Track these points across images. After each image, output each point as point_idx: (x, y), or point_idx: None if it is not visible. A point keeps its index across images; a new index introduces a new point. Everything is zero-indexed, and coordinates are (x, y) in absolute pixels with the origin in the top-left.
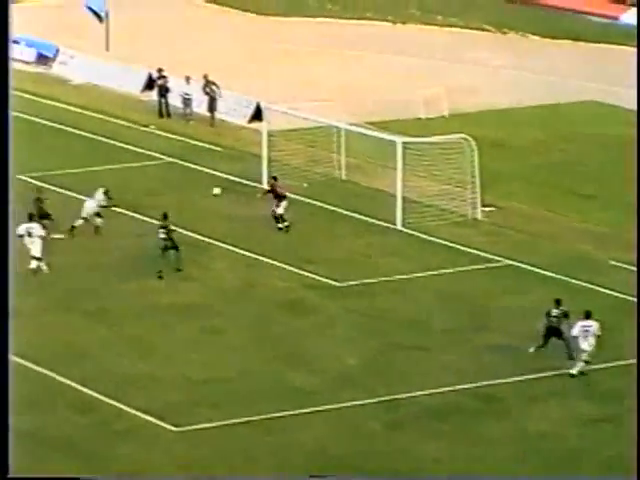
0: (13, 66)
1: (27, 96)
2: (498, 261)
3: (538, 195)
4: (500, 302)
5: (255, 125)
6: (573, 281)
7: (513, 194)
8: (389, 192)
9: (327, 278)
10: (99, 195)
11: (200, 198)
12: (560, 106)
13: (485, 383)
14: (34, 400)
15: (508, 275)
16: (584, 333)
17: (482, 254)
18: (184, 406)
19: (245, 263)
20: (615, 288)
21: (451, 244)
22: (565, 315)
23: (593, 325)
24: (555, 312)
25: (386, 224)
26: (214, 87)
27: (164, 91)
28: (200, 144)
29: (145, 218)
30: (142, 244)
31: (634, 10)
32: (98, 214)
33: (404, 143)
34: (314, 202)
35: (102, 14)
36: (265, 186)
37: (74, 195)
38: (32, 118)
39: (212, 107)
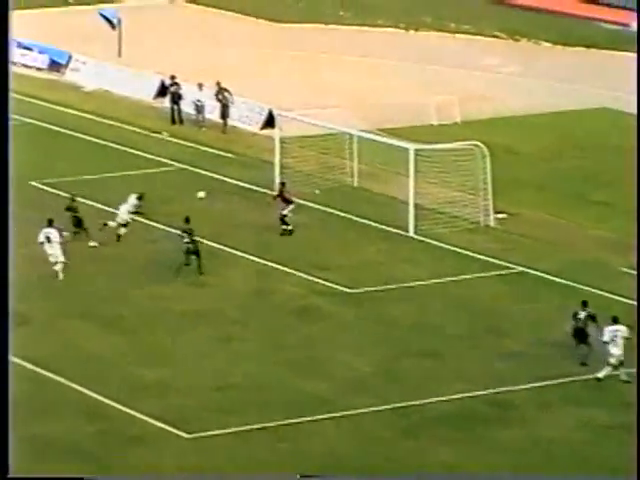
0: (26, 73)
1: (40, 102)
2: (510, 268)
3: (550, 202)
4: (512, 309)
5: (267, 132)
6: (585, 288)
7: (525, 201)
8: (401, 199)
9: (339, 285)
10: (132, 200)
11: (212, 205)
12: (572, 113)
13: (497, 390)
14: (47, 407)
15: (520, 282)
16: (614, 338)
17: (494, 261)
18: (197, 413)
19: (258, 270)
20: (626, 295)
21: (463, 251)
22: (592, 317)
23: (622, 329)
24: (582, 314)
25: (398, 231)
26: (227, 94)
27: (177, 98)
28: (212, 151)
29: (158, 225)
30: (155, 251)
31: None
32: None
33: (416, 150)
34: (326, 209)
35: (114, 21)
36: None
37: (86, 202)
38: (44, 125)
39: (224, 114)
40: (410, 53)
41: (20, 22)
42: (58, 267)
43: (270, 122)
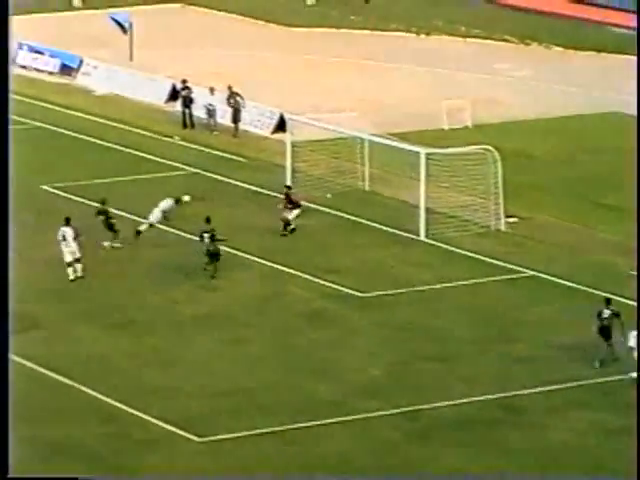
0: (37, 77)
1: (51, 107)
2: (521, 272)
3: (561, 206)
4: (523, 313)
5: (279, 136)
6: (596, 292)
7: (536, 205)
8: (412, 203)
9: (350, 289)
10: (169, 202)
11: (224, 209)
12: (583, 117)
13: (507, 394)
14: (58, 410)
15: (531, 286)
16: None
17: (505, 265)
18: (207, 416)
19: (268, 273)
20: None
21: (474, 255)
22: (616, 315)
23: None
24: (606, 313)
25: (409, 235)
26: (238, 98)
27: (188, 102)
28: (224, 155)
29: (169, 229)
30: (166, 254)
31: None
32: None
33: (427, 154)
34: (337, 213)
35: (126, 25)
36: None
37: (97, 206)
38: (56, 128)
39: (236, 118)
40: (421, 57)
41: (32, 26)
42: (78, 264)
43: (281, 126)
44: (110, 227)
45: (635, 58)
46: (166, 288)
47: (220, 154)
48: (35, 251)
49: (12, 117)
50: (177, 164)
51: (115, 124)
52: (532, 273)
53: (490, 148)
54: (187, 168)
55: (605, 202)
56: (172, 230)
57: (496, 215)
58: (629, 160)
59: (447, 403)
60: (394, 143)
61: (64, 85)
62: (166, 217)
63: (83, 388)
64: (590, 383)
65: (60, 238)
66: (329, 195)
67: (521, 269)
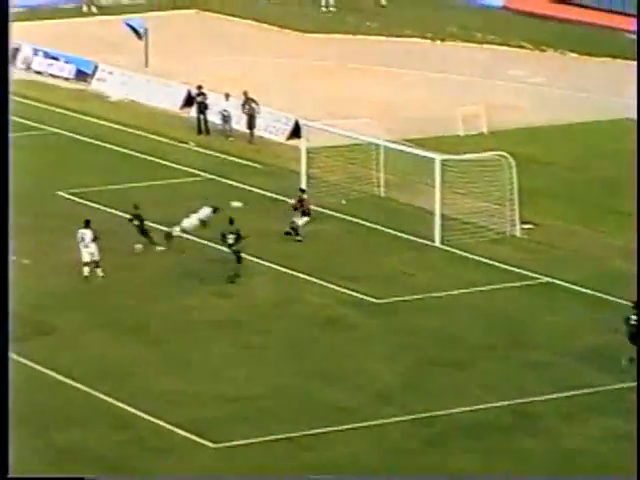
0: (52, 83)
1: (66, 112)
2: (536, 278)
3: (576, 212)
4: (538, 319)
5: (294, 142)
6: (611, 298)
7: (551, 211)
8: (428, 209)
9: (365, 295)
10: (206, 211)
11: (238, 215)
12: (598, 123)
13: (522, 400)
14: (72, 417)
15: (546, 292)
16: None
17: (520, 271)
18: (222, 422)
19: (283, 279)
20: None
21: (489, 261)
22: None
23: None
24: (634, 318)
25: (424, 241)
26: (253, 104)
27: (203, 108)
28: (239, 161)
29: (184, 235)
30: (181, 260)
31: None
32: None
33: (443, 160)
34: (352, 219)
35: (141, 31)
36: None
37: (112, 211)
38: (70, 134)
39: (251, 124)
40: (436, 63)
41: (47, 32)
42: (97, 267)
43: (296, 132)
44: (144, 232)
45: None
46: (181, 294)
47: (235, 160)
48: (50, 257)
49: (27, 123)
50: (192, 170)
51: (130, 130)
52: (547, 279)
53: (505, 154)
54: (202, 174)
55: (620, 208)
56: (186, 236)
57: (511, 221)
58: None
59: (462, 409)
60: (409, 149)
61: (79, 91)
62: (204, 225)
63: (97, 394)
64: (606, 389)
65: (79, 240)
66: (344, 201)
67: (536, 275)
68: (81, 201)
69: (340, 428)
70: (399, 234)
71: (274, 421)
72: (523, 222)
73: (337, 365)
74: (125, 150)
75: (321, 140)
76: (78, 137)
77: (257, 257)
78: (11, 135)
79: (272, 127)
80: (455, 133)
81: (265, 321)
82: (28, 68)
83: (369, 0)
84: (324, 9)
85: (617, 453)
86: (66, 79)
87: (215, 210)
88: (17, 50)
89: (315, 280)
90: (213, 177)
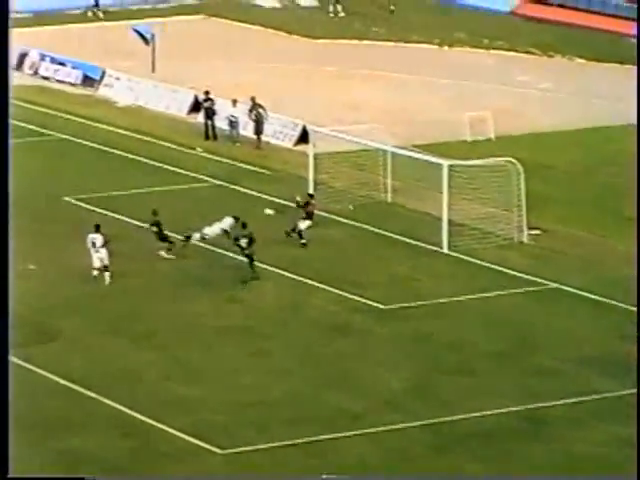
0: (59, 88)
1: (73, 118)
2: (544, 284)
3: (584, 218)
4: (545, 325)
5: (301, 148)
6: (619, 304)
7: (559, 217)
8: (435, 215)
9: (373, 301)
10: (228, 220)
11: (246, 220)
12: (606, 129)
13: (530, 406)
14: (81, 423)
15: (554, 298)
16: None
17: (528, 277)
18: (230, 428)
19: (291, 285)
20: None
21: (497, 267)
22: None
23: None
24: None
25: (432, 247)
26: (261, 110)
27: (210, 113)
28: (246, 166)
29: (192, 241)
30: (188, 266)
31: None
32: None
33: (450, 166)
34: (360, 225)
35: (148, 36)
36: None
37: (119, 217)
38: (77, 140)
39: (259, 130)
40: (444, 69)
41: (54, 37)
42: (106, 272)
43: (304, 138)
44: (163, 238)
45: None
46: (189, 300)
47: (242, 166)
48: (58, 263)
49: (34, 128)
50: (199, 176)
51: (137, 136)
52: (555, 285)
53: (513, 160)
54: (209, 180)
55: (628, 214)
56: (194, 242)
57: (519, 227)
58: None
59: (469, 415)
60: (417, 155)
61: (86, 96)
62: (226, 234)
63: (106, 400)
64: (613, 396)
65: (89, 245)
66: (351, 207)
67: (544, 281)
68: (88, 207)
69: (347, 434)
70: (406, 240)
71: (281, 427)
72: (530, 228)
73: (344, 371)
74: (132, 156)
75: (328, 146)
76: (85, 143)
77: (265, 263)
78: (18, 140)
79: (279, 133)
80: (462, 139)
81: (273, 327)
82: (35, 73)
83: (377, 6)
84: (332, 15)
85: (624, 459)
86: (73, 85)
87: (237, 219)
88: (24, 55)
89: (323, 286)
90: (220, 183)
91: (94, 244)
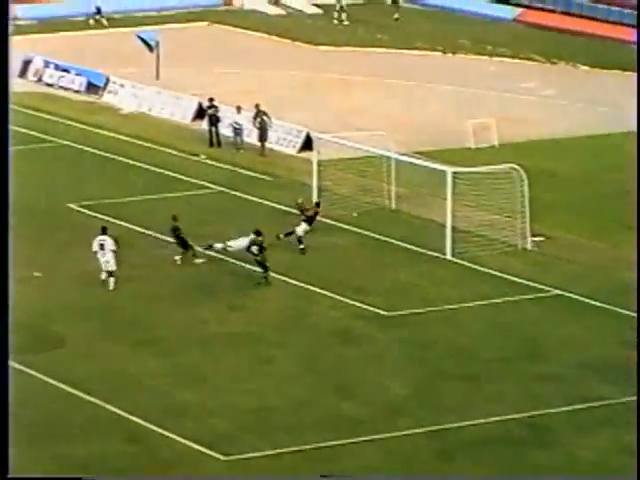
0: (63, 95)
1: (77, 125)
2: (548, 291)
3: (588, 225)
4: (549, 332)
5: (305, 154)
6: (623, 311)
7: (563, 224)
8: (439, 222)
9: (376, 308)
10: (252, 237)
11: (250, 227)
12: (609, 136)
13: (534, 412)
14: (83, 429)
15: (557, 305)
16: None
17: (532, 284)
18: (234, 435)
19: (294, 292)
20: None
21: (501, 274)
22: None
23: None
24: None
25: (436, 254)
26: (265, 117)
27: (214, 120)
28: (250, 173)
29: (196, 247)
30: (193, 273)
31: None
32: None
33: (454, 173)
34: (363, 231)
35: (152, 43)
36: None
37: (123, 224)
38: (82, 147)
39: (263, 137)
40: (447, 76)
41: (58, 44)
42: (111, 277)
43: (308, 145)
44: (184, 244)
45: None
46: (193, 306)
47: (246, 173)
48: (61, 269)
49: (38, 135)
50: (203, 182)
51: (141, 142)
52: (558, 292)
53: (516, 167)
54: (213, 186)
55: (632, 221)
56: (197, 249)
57: (522, 234)
58: None
59: (473, 422)
60: (420, 162)
61: (90, 103)
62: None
63: (108, 406)
64: (617, 402)
65: (97, 247)
66: (355, 214)
67: (547, 288)
68: (92, 213)
69: (351, 440)
70: (410, 246)
71: (285, 433)
72: (534, 235)
73: (348, 378)
74: (136, 162)
75: (332, 153)
76: (89, 149)
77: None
78: (22, 147)
79: (283, 140)
80: (466, 146)
81: (277, 334)
82: (39, 80)
83: (381, 14)
84: (336, 22)
85: (626, 465)
86: (77, 91)
87: (259, 234)
88: (28, 62)
89: (326, 293)
90: (224, 190)
91: (102, 246)
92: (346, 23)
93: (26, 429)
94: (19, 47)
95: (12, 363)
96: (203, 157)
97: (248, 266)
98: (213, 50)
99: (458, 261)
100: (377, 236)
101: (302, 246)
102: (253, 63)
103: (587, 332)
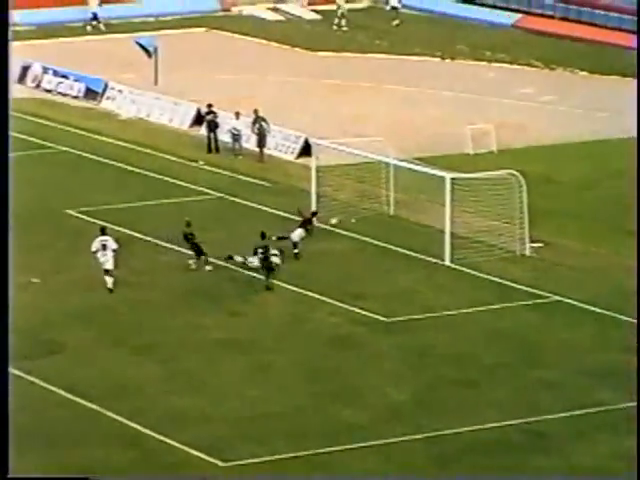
0: (61, 101)
1: (75, 131)
2: (546, 297)
3: (586, 231)
4: (548, 338)
5: (304, 160)
6: (622, 317)
7: (561, 230)
8: (437, 228)
9: (375, 314)
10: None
11: (249, 233)
12: (608, 142)
13: (533, 419)
14: (83, 435)
15: (556, 311)
16: None
17: (530, 290)
18: (233, 441)
19: (293, 298)
20: None
21: (499, 280)
22: None
23: None
24: None
25: (434, 260)
26: (263, 123)
27: (213, 126)
28: (249, 179)
29: (194, 253)
30: (191, 279)
31: None
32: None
33: (453, 179)
34: (362, 237)
35: (151, 49)
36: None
37: (121, 230)
38: (80, 153)
39: (261, 142)
40: (446, 82)
41: (56, 50)
42: (110, 277)
43: (306, 150)
44: (198, 250)
45: None
46: (192, 312)
47: (245, 179)
48: (60, 275)
49: (37, 141)
50: (202, 188)
51: (140, 148)
52: (557, 298)
53: (515, 173)
54: (212, 192)
55: (631, 227)
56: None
57: (521, 240)
58: None
59: (472, 428)
60: (419, 168)
61: (89, 109)
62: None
63: (108, 413)
64: (616, 408)
65: (99, 247)
66: (354, 220)
67: (546, 294)
68: (90, 219)
69: (350, 446)
70: (408, 252)
71: (284, 440)
72: (533, 241)
73: (347, 383)
74: (134, 168)
75: (331, 158)
76: (87, 155)
77: None
78: (20, 153)
79: (282, 145)
80: (465, 151)
81: (276, 340)
82: (38, 86)
83: (380, 19)
84: (335, 28)
85: (628, 472)
86: (75, 97)
87: (282, 252)
88: (27, 68)
89: (325, 299)
90: (223, 195)
91: (104, 246)
92: (345, 29)
93: (25, 435)
94: (17, 53)
95: (11, 369)
96: (202, 163)
97: (244, 271)
98: (212, 56)
99: (457, 267)
100: (376, 242)
101: (296, 250)
102: (252, 69)
103: (586, 338)
